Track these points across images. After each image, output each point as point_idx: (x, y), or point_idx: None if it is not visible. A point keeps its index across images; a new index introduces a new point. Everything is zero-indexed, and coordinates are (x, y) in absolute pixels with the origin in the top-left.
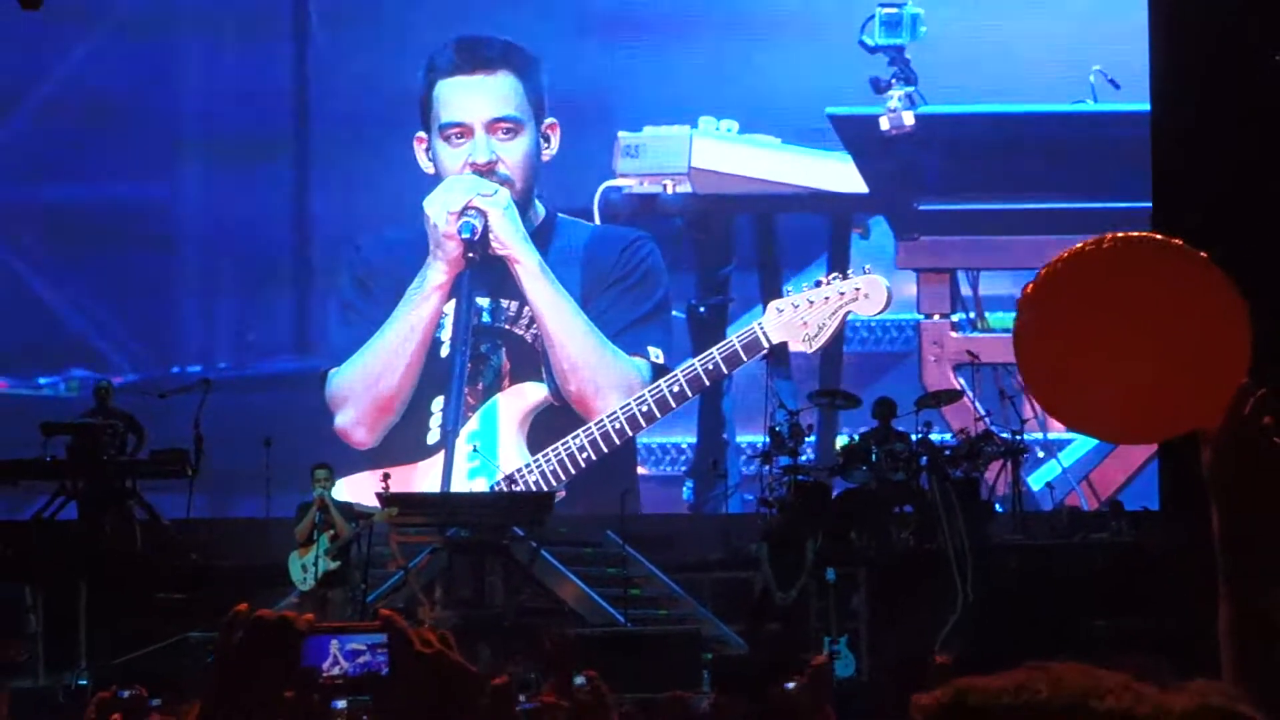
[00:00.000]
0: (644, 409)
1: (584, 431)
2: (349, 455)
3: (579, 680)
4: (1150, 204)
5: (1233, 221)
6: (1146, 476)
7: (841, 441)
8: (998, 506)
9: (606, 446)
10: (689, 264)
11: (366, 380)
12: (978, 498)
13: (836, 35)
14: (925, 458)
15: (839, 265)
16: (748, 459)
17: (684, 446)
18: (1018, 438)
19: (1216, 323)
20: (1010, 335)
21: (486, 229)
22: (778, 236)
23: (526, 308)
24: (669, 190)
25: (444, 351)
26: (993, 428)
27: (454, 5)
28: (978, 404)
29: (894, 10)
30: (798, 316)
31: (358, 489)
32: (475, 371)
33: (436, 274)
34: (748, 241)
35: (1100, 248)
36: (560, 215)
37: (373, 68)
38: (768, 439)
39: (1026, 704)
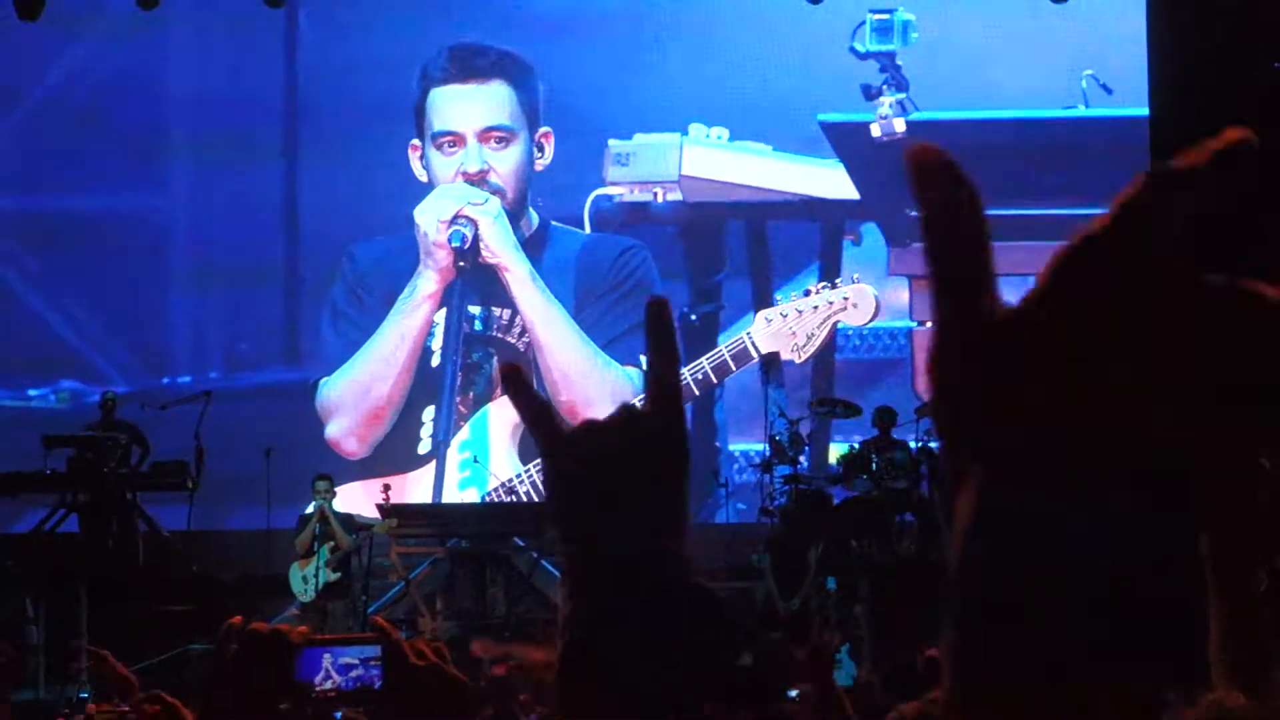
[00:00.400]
0: None
1: None
2: (340, 465)
3: None
4: None
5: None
6: None
7: (837, 450)
8: None
9: None
10: (680, 272)
11: (357, 390)
12: None
13: (827, 42)
14: (926, 466)
15: (831, 272)
16: (742, 468)
17: None
18: None
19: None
20: None
21: (477, 238)
22: (769, 243)
23: (518, 316)
24: (660, 198)
25: (435, 361)
26: None
27: (447, 12)
28: None
29: (885, 16)
30: (786, 326)
31: (350, 499)
32: (466, 381)
33: (427, 283)
34: (739, 249)
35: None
36: (554, 224)
37: (365, 76)
38: (767, 448)
39: None
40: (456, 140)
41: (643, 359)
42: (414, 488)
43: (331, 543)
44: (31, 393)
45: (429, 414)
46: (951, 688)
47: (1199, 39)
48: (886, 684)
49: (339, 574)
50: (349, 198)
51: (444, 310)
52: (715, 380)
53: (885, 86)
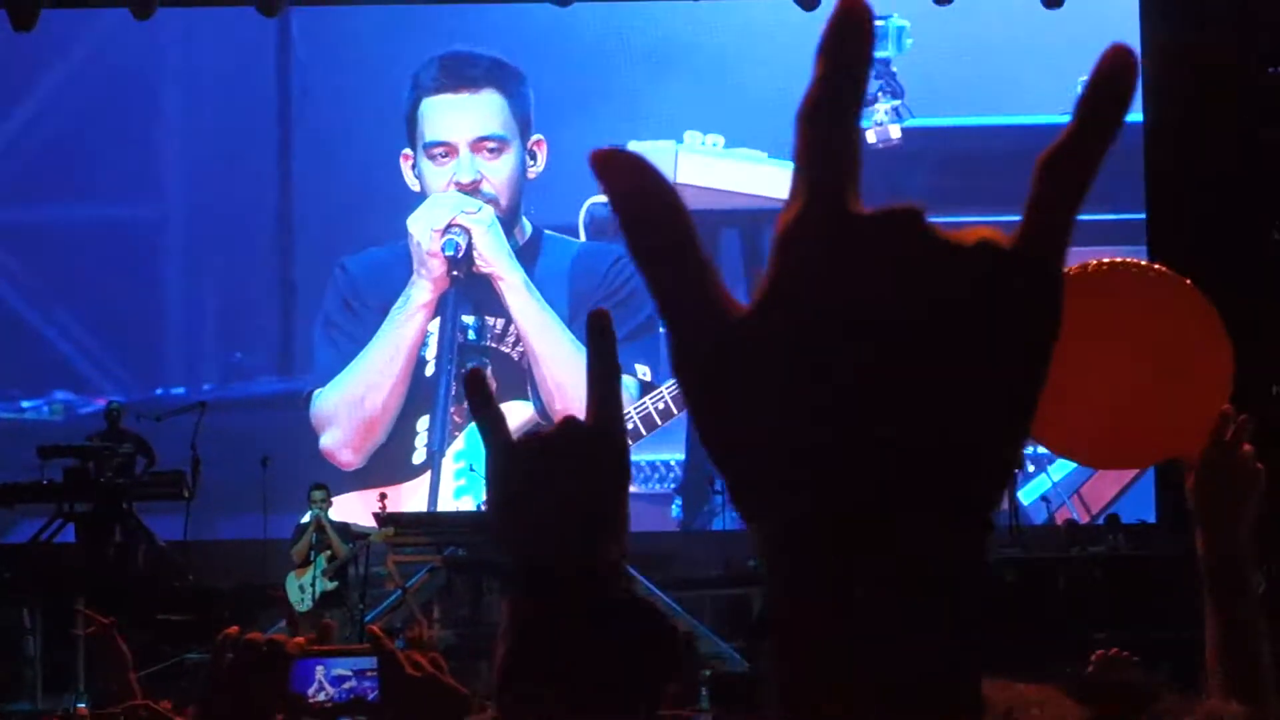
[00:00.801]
0: (630, 426)
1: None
2: (336, 475)
3: None
4: (1144, 215)
5: (1227, 233)
6: (1139, 490)
7: None
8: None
9: None
10: None
11: (351, 400)
12: None
13: None
14: None
15: None
16: None
17: (672, 463)
18: None
19: (1199, 351)
20: None
21: (470, 246)
22: (764, 251)
23: (512, 325)
24: None
25: (429, 370)
26: None
27: (439, 21)
28: None
29: (879, 23)
30: None
31: (346, 509)
32: (461, 391)
33: (421, 292)
34: (734, 256)
35: (1084, 273)
36: (547, 232)
37: (358, 85)
38: None
39: None
40: (449, 150)
41: (638, 368)
42: (409, 497)
43: (328, 552)
44: (25, 404)
45: (423, 424)
46: None
47: (1192, 44)
48: None
49: (336, 583)
50: (342, 207)
51: (438, 320)
52: None
53: (880, 93)
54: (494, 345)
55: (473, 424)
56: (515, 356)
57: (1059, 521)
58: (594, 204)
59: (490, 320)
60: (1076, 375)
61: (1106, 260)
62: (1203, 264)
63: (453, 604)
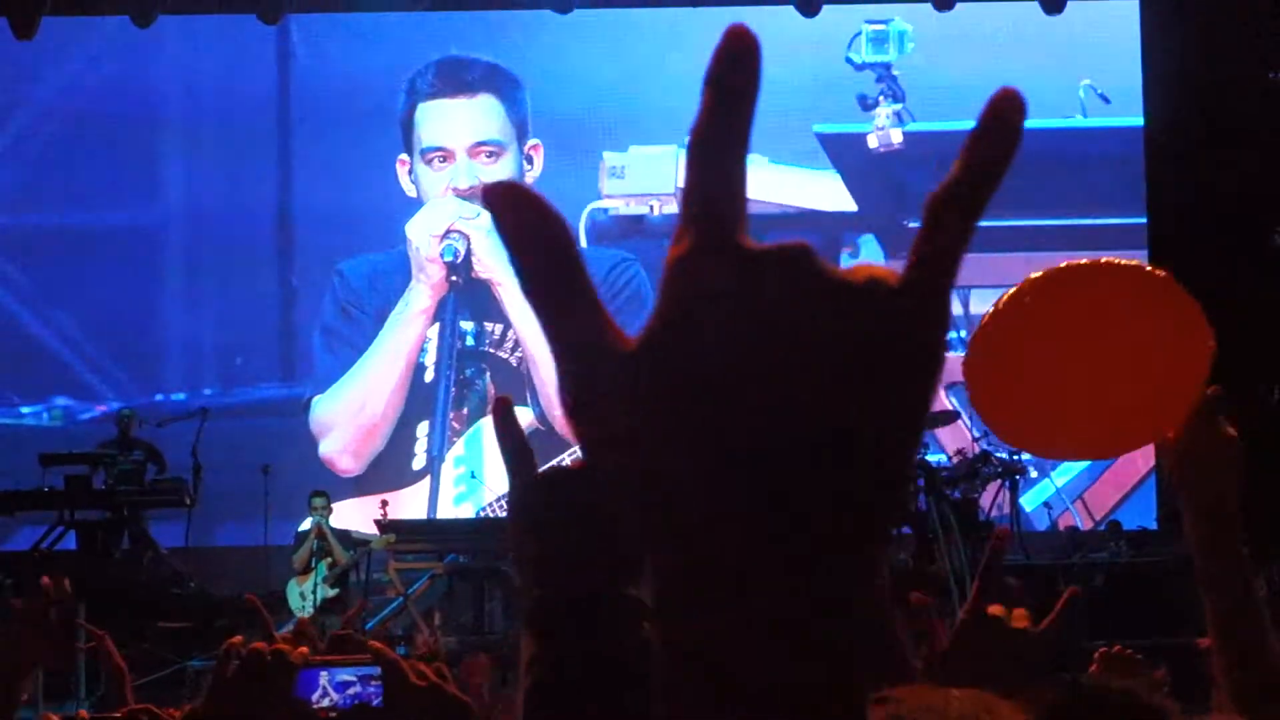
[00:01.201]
0: None
1: (570, 456)
2: (335, 481)
3: None
4: (1145, 219)
5: (1227, 237)
6: (1141, 497)
7: None
8: (996, 526)
9: None
10: None
11: (350, 407)
12: (976, 518)
13: (823, 52)
14: (922, 479)
15: None
16: None
17: None
18: (1015, 458)
19: (1173, 336)
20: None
21: (469, 252)
22: None
23: (511, 331)
24: (655, 211)
25: (428, 376)
26: (989, 448)
27: (436, 25)
28: (973, 426)
29: (881, 27)
30: None
31: (345, 515)
32: (460, 396)
33: (420, 298)
34: None
35: (1044, 279)
36: None
37: (356, 91)
38: None
39: None
40: (446, 155)
41: None
42: (409, 503)
43: (329, 559)
44: (24, 410)
45: (423, 429)
46: None
47: (1192, 47)
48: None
49: (337, 590)
50: (341, 213)
51: (437, 325)
52: None
53: (882, 97)
54: (493, 351)
55: (471, 430)
56: (514, 362)
57: (1061, 527)
58: (594, 208)
59: (489, 326)
60: (1043, 372)
61: (1073, 262)
62: (1203, 268)
63: (454, 611)
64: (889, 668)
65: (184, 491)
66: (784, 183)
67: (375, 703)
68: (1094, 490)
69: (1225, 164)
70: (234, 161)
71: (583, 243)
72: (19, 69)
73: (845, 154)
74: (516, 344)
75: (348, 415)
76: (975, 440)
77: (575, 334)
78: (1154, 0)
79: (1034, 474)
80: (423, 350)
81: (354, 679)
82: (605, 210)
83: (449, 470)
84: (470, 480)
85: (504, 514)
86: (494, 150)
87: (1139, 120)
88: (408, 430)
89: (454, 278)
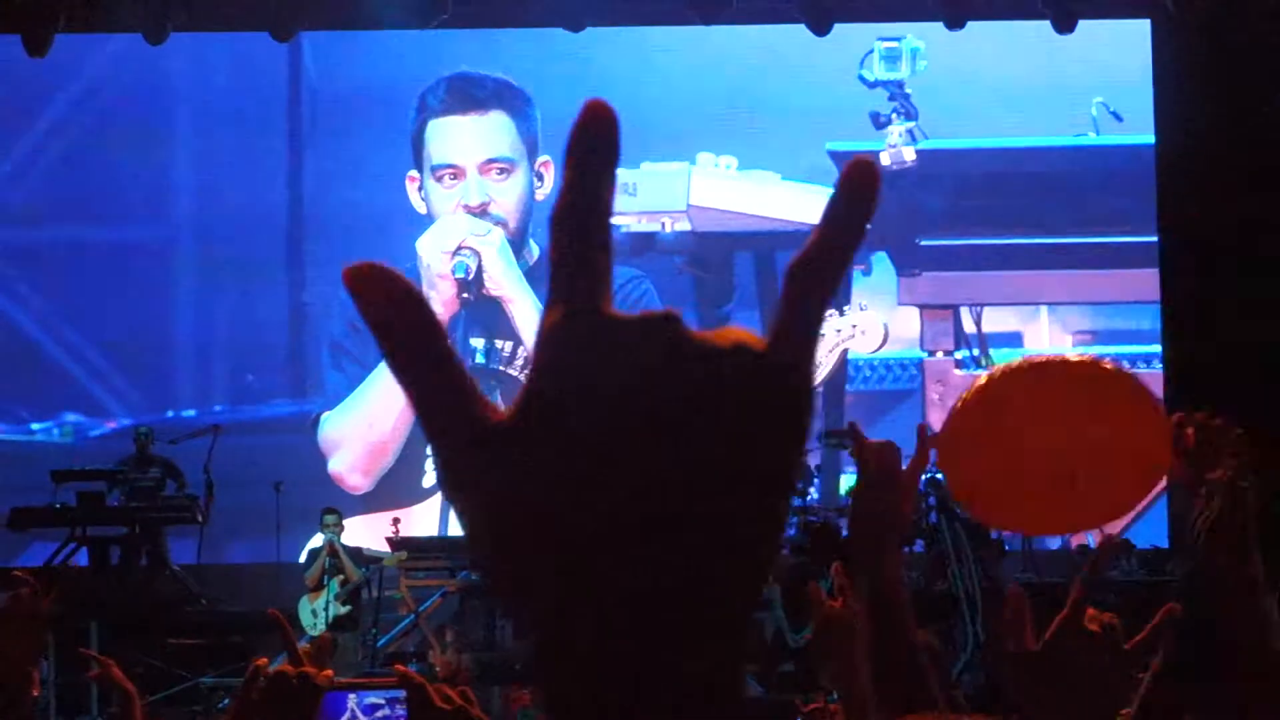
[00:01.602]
0: None
1: None
2: (345, 499)
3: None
4: (1156, 238)
5: (1238, 255)
6: (1152, 516)
7: (847, 481)
8: (1007, 545)
9: None
10: (688, 303)
11: (359, 424)
12: (988, 536)
13: (835, 70)
14: (934, 497)
15: (840, 302)
16: None
17: None
18: None
19: (1131, 429)
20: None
21: (481, 269)
22: (778, 273)
23: (521, 348)
24: (667, 228)
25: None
26: None
27: (447, 42)
28: None
29: (893, 44)
30: None
31: (354, 532)
32: None
33: None
34: (748, 279)
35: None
36: None
37: (368, 108)
38: None
39: None
40: (456, 173)
41: None
42: (419, 520)
43: (341, 576)
44: (34, 426)
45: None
46: None
47: (1203, 64)
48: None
49: (349, 607)
50: (352, 230)
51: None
52: None
53: (894, 115)
54: (503, 369)
55: None
56: (524, 380)
57: (1073, 546)
58: None
59: (500, 343)
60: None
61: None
62: (1214, 286)
63: (466, 628)
64: (914, 694)
65: (196, 508)
66: (797, 200)
67: None
68: None
69: (1236, 182)
70: (245, 177)
71: None
72: (32, 86)
73: None
74: (527, 362)
75: (356, 432)
76: None
77: (444, 411)
78: (1166, 19)
79: None
80: None
81: (382, 702)
82: (617, 227)
83: None
84: None
85: None
86: (505, 167)
87: (1150, 138)
88: (417, 448)
89: (465, 295)
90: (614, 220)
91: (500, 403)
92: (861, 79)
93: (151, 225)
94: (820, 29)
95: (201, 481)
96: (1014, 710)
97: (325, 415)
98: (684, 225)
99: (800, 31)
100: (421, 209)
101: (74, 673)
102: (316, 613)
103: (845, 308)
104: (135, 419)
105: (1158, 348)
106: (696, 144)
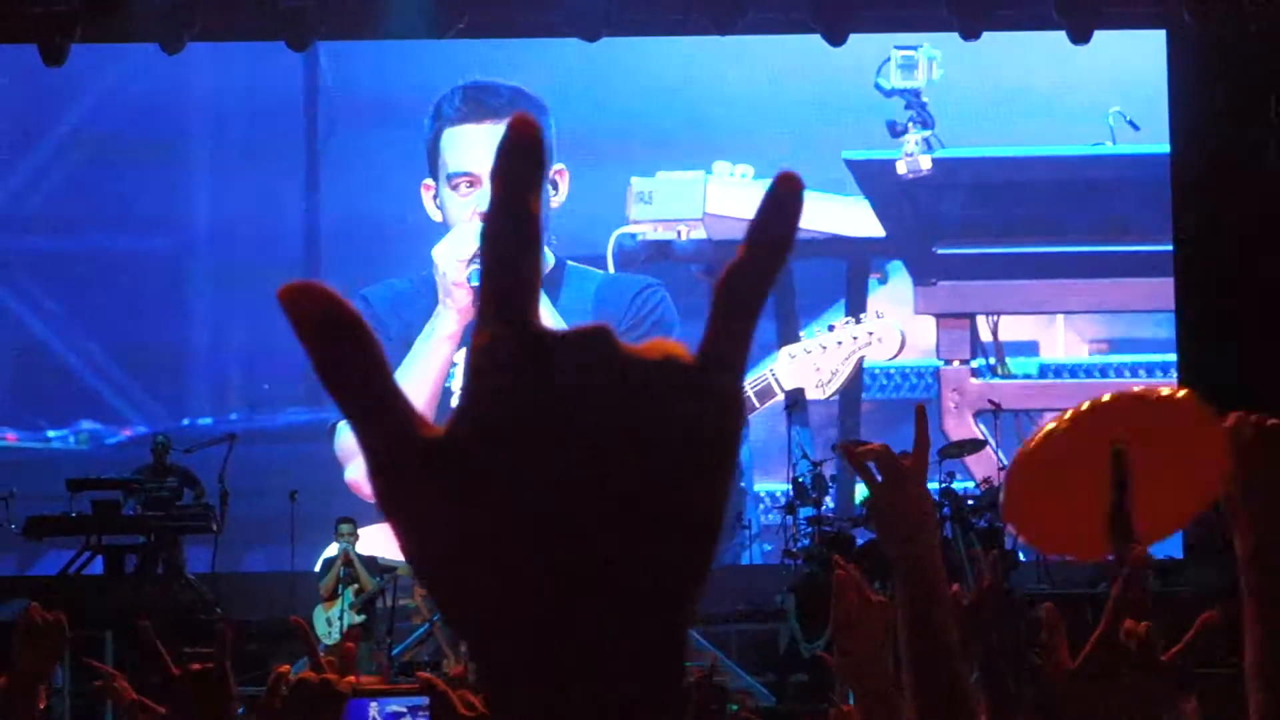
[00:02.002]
0: None
1: None
2: (361, 507)
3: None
4: (1171, 247)
5: (1254, 264)
6: None
7: (861, 492)
8: (1021, 555)
9: None
10: (703, 311)
11: None
12: (1002, 547)
13: (852, 78)
14: (948, 507)
15: (856, 310)
16: (768, 509)
17: None
18: None
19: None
20: (1028, 381)
21: None
22: (795, 282)
23: None
24: (683, 236)
25: (454, 401)
26: None
27: (462, 50)
28: (1000, 453)
29: (910, 53)
30: (810, 362)
31: (370, 541)
32: None
33: (446, 323)
34: None
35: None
36: (570, 263)
37: (384, 117)
38: (790, 490)
39: None
40: (473, 181)
41: None
42: None
43: (356, 585)
44: (50, 434)
45: None
46: None
47: (1218, 75)
48: None
49: (364, 616)
50: (368, 238)
51: (463, 350)
52: None
53: (910, 123)
54: None
55: None
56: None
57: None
58: (622, 233)
59: None
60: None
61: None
62: (1229, 295)
63: None
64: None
65: (211, 517)
66: (813, 209)
67: None
68: None
69: (1251, 192)
70: (261, 186)
71: (610, 268)
72: (49, 95)
73: (874, 180)
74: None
75: None
76: (1002, 469)
77: (377, 426)
78: (1181, 29)
79: None
80: (449, 375)
81: (404, 709)
82: (633, 235)
83: None
84: None
85: None
86: None
87: (1165, 148)
88: None
89: None
90: (629, 228)
91: None
92: (878, 87)
93: (168, 234)
94: (835, 39)
95: (216, 490)
96: None
97: (341, 423)
98: (700, 233)
99: (816, 41)
100: (437, 217)
101: (89, 681)
102: (331, 622)
103: (862, 315)
104: (152, 427)
105: (1173, 356)
106: (712, 152)
